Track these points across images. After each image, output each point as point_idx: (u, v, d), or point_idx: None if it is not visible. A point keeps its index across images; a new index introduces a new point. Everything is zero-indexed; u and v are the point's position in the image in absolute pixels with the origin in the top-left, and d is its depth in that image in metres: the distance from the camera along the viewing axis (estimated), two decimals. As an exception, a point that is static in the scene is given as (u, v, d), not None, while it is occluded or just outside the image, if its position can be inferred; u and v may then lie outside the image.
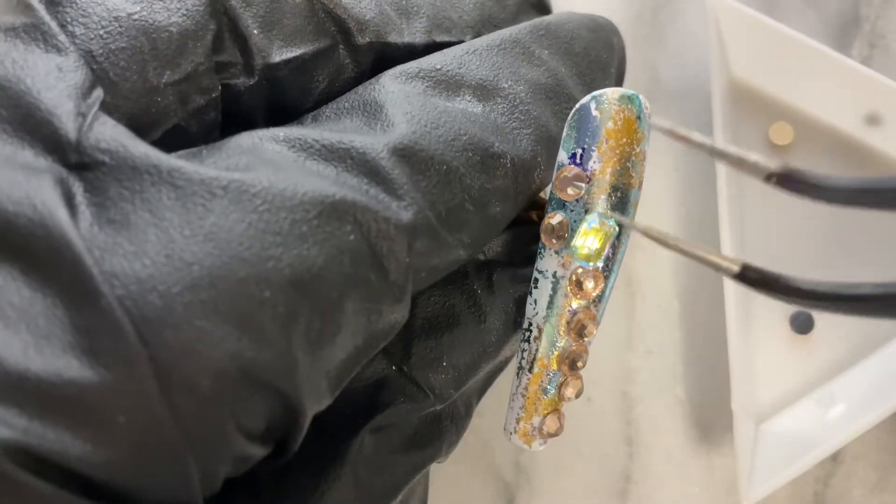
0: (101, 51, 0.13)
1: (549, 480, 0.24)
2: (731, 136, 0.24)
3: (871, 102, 0.23)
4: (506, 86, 0.15)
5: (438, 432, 0.16)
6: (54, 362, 0.10)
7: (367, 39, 0.15)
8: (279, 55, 0.14)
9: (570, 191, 0.15)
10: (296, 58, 0.15)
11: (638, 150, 0.15)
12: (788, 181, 0.13)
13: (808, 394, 0.23)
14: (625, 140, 0.15)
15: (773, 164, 0.13)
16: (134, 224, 0.11)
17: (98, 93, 0.12)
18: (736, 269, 0.13)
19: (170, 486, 0.11)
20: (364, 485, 0.14)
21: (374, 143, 0.13)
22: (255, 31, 0.14)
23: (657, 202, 0.25)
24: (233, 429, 0.11)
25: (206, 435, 0.11)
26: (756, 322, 0.24)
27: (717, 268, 0.13)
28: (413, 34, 0.16)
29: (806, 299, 0.13)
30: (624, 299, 0.24)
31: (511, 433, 0.17)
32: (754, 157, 0.13)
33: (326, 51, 0.15)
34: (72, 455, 0.10)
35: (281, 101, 0.15)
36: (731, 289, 0.22)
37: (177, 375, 0.11)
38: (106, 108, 0.12)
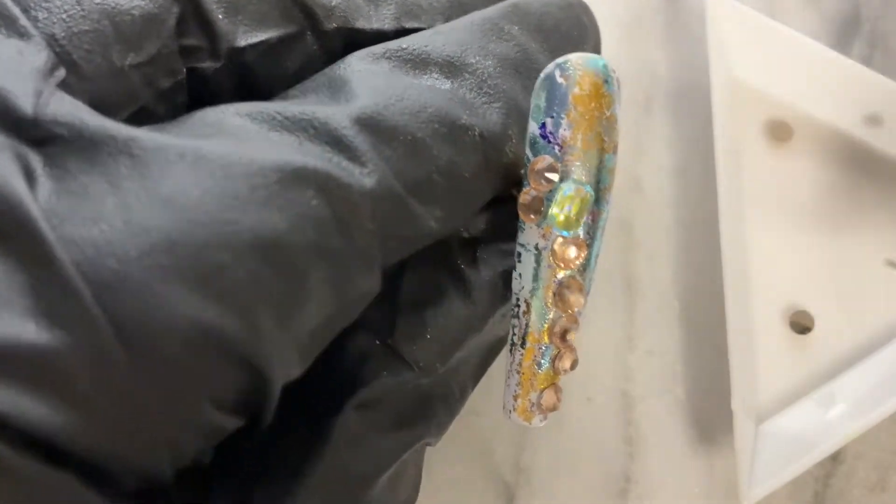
0: (63, 34, 0.13)
1: (549, 480, 0.24)
2: (730, 135, 0.24)
3: (870, 102, 0.23)
4: (473, 61, 0.15)
5: (428, 412, 0.16)
6: (12, 326, 0.10)
7: (334, 25, 0.15)
8: (244, 39, 0.15)
9: (543, 182, 0.15)
10: (261, 42, 0.15)
11: (609, 113, 0.15)
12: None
13: (808, 394, 0.23)
14: (593, 105, 0.15)
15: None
16: (92, 193, 0.11)
17: (60, 73, 0.12)
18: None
19: (134, 453, 0.11)
20: (348, 462, 0.14)
21: (337, 112, 0.13)
22: (220, 16, 0.14)
23: (657, 202, 0.25)
24: (198, 395, 0.11)
25: (170, 400, 0.11)
26: (756, 322, 0.24)
27: None
28: (381, 20, 0.16)
29: None
30: (624, 299, 0.24)
31: (510, 411, 0.16)
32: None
33: (294, 36, 0.15)
34: (30, 418, 0.10)
35: (249, 86, 0.15)
36: (731, 289, 0.22)
37: (137, 338, 0.11)
38: (71, 89, 0.13)
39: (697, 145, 0.25)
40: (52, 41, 0.13)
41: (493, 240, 0.16)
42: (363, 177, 0.13)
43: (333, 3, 0.15)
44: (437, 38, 0.15)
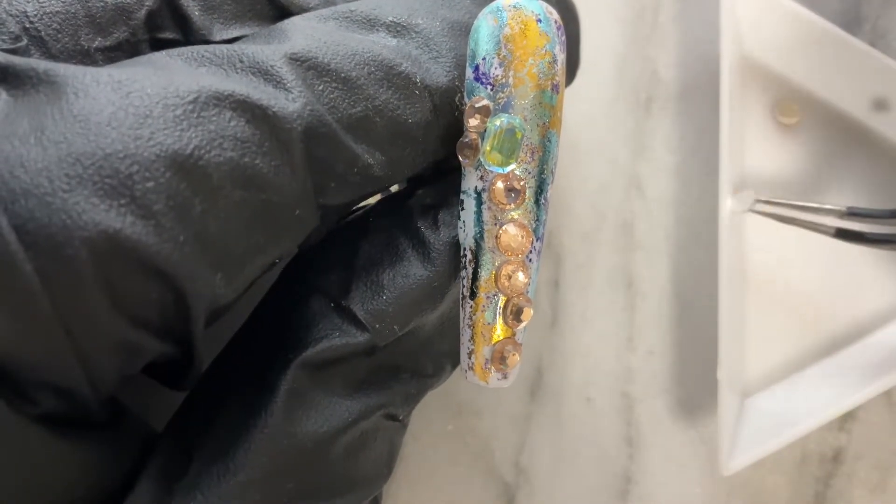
0: (35, 12, 0.14)
1: (549, 480, 0.24)
2: (737, 115, 0.24)
3: (879, 87, 0.23)
4: (420, 21, 0.15)
5: (390, 381, 0.16)
6: None
7: None
8: (219, 34, 0.15)
9: (477, 121, 0.15)
10: (235, 38, 0.15)
11: (543, 51, 0.15)
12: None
13: (796, 372, 0.23)
14: (525, 42, 0.15)
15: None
16: (11, 119, 0.12)
17: (22, 43, 0.13)
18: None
19: (48, 364, 0.11)
20: (296, 423, 0.14)
21: (267, 49, 0.13)
22: (197, 12, 0.15)
23: (657, 202, 0.25)
24: (109, 306, 0.11)
25: (79, 309, 0.11)
26: (748, 298, 0.24)
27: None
28: None
29: None
30: (624, 299, 0.24)
31: (466, 370, 0.16)
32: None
33: None
34: None
35: None
36: (725, 268, 0.22)
37: (43, 244, 0.11)
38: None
39: (698, 145, 0.25)
40: (22, 17, 0.14)
41: (455, 205, 0.16)
42: (287, 101, 0.13)
43: (312, 4, 0.16)
44: (385, 3, 0.15)
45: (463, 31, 0.16)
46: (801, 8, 0.23)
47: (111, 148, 0.11)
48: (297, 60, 0.13)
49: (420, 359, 0.16)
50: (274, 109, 0.13)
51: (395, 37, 0.15)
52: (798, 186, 0.24)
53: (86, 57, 0.14)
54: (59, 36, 0.14)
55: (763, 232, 0.24)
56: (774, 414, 0.22)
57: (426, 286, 0.15)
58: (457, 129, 0.15)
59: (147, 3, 0.15)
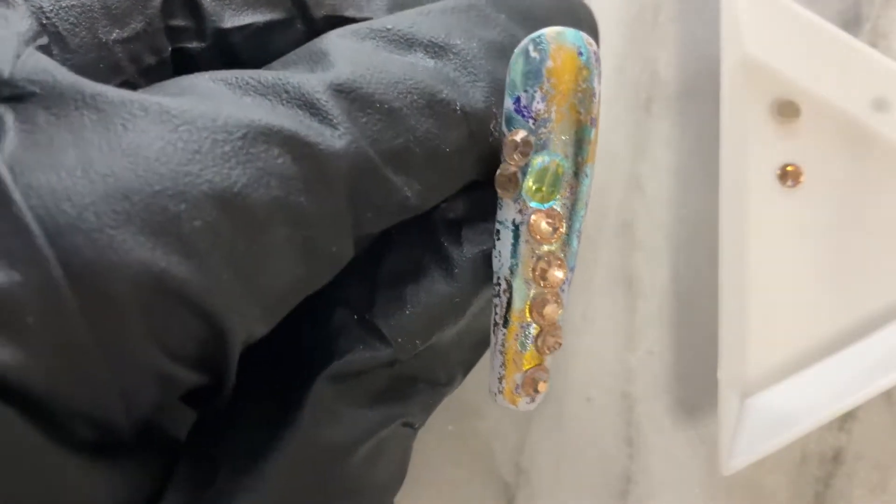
0: (50, 7, 0.13)
1: (549, 480, 0.24)
2: (737, 115, 0.24)
3: (879, 87, 0.23)
4: (458, 42, 0.15)
5: (408, 392, 0.16)
6: None
7: (323, 13, 0.15)
8: (231, 21, 0.15)
9: (517, 156, 0.15)
10: (247, 25, 0.15)
11: (584, 86, 0.15)
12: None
13: (796, 372, 0.23)
14: (567, 77, 0.15)
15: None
16: (56, 145, 0.11)
17: (42, 40, 0.13)
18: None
19: (85, 396, 0.11)
20: (319, 433, 0.14)
21: (312, 79, 0.13)
22: None
23: (657, 202, 0.25)
24: (150, 342, 0.11)
25: (121, 344, 0.11)
26: (749, 298, 0.24)
27: None
28: (373, 10, 0.16)
29: None
30: (624, 299, 0.24)
31: (496, 394, 0.16)
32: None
33: (282, 22, 0.15)
34: None
35: (234, 68, 0.15)
36: (726, 266, 0.22)
37: (88, 280, 0.11)
38: (55, 60, 0.13)
39: (698, 145, 0.25)
40: (39, 13, 0.13)
41: (478, 220, 0.16)
42: (334, 139, 0.13)
43: None
44: (422, 20, 0.15)
45: (499, 51, 0.15)
46: (801, 8, 0.23)
47: (160, 185, 0.11)
48: (342, 92, 0.13)
49: (435, 368, 0.16)
50: (321, 147, 0.13)
51: (432, 58, 0.15)
52: (795, 207, 0.24)
53: (104, 50, 0.14)
54: (77, 30, 0.14)
55: (763, 232, 0.24)
56: (774, 414, 0.22)
57: (448, 302, 0.16)
58: (490, 153, 0.15)
59: None
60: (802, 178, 0.24)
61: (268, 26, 0.15)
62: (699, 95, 0.25)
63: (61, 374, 0.11)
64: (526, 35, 0.16)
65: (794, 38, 0.23)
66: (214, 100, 0.13)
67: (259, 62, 0.15)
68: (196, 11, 0.15)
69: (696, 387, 0.24)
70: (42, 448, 0.11)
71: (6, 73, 0.12)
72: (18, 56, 0.12)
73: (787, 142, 0.25)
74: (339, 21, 0.16)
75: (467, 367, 0.18)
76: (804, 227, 0.24)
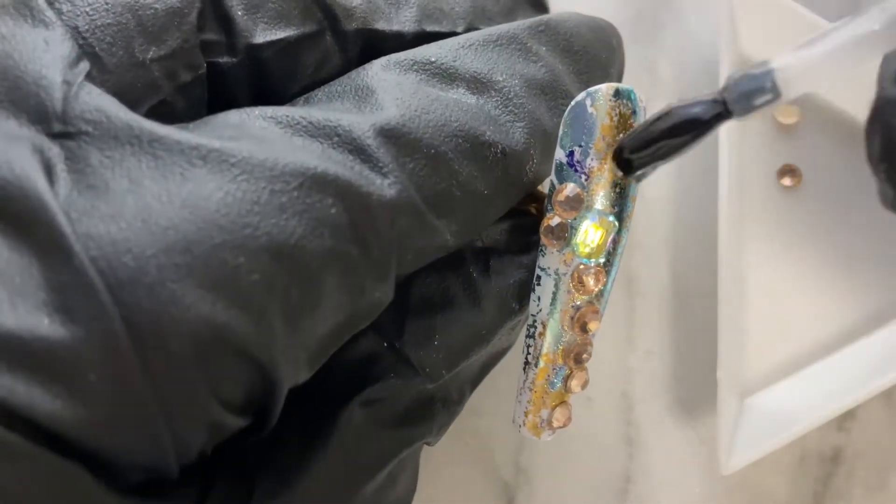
0: (87, 27, 0.13)
1: (549, 480, 0.24)
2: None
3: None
4: (500, 79, 0.15)
5: (429, 413, 0.16)
6: (27, 319, 0.10)
7: (354, 26, 0.15)
8: (263, 36, 0.15)
9: (568, 210, 0.15)
10: (280, 40, 0.15)
11: None
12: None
13: (795, 372, 0.23)
14: (622, 136, 0.15)
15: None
16: (113, 190, 0.11)
17: (84, 65, 0.13)
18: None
19: (141, 448, 0.11)
20: (352, 455, 0.15)
21: (361, 122, 0.13)
22: (240, 12, 0.14)
23: (658, 202, 0.25)
24: (207, 394, 0.12)
25: (179, 398, 0.11)
26: (747, 298, 0.24)
27: None
28: (402, 23, 0.16)
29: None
30: (624, 299, 0.24)
31: (520, 426, 0.17)
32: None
33: (313, 36, 0.15)
34: (41, 410, 0.10)
35: (267, 84, 0.15)
36: (725, 267, 0.22)
37: (149, 336, 0.11)
38: (93, 82, 0.13)
39: (698, 145, 0.25)
40: (75, 33, 0.13)
41: (506, 251, 0.16)
42: (384, 187, 0.13)
43: (354, 4, 0.15)
44: (464, 54, 0.15)
45: (540, 89, 0.16)
46: (800, 8, 0.23)
47: (220, 238, 0.11)
48: (391, 137, 0.13)
49: (449, 388, 0.17)
50: (373, 197, 0.13)
51: (475, 94, 0.15)
52: (795, 206, 0.24)
53: (141, 69, 0.13)
54: (114, 49, 0.13)
55: (763, 231, 0.24)
56: (774, 414, 0.23)
57: (475, 333, 0.16)
58: (523, 191, 0.16)
59: (196, 5, 0.14)
60: (802, 179, 0.24)
61: (299, 40, 0.15)
62: (699, 94, 0.25)
63: (121, 429, 0.11)
64: (567, 70, 0.16)
65: (794, 39, 0.23)
66: (268, 143, 0.12)
67: (289, 75, 0.15)
68: (228, 26, 0.14)
69: (695, 386, 0.24)
70: (98, 497, 0.11)
71: (59, 108, 0.12)
72: (67, 83, 0.12)
73: (787, 142, 0.25)
74: (369, 34, 0.16)
75: (475, 384, 0.18)
76: (803, 228, 0.24)
